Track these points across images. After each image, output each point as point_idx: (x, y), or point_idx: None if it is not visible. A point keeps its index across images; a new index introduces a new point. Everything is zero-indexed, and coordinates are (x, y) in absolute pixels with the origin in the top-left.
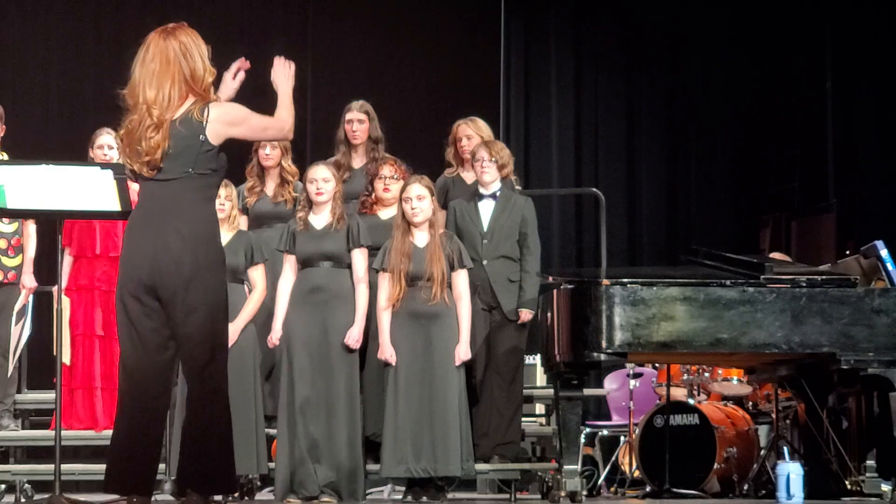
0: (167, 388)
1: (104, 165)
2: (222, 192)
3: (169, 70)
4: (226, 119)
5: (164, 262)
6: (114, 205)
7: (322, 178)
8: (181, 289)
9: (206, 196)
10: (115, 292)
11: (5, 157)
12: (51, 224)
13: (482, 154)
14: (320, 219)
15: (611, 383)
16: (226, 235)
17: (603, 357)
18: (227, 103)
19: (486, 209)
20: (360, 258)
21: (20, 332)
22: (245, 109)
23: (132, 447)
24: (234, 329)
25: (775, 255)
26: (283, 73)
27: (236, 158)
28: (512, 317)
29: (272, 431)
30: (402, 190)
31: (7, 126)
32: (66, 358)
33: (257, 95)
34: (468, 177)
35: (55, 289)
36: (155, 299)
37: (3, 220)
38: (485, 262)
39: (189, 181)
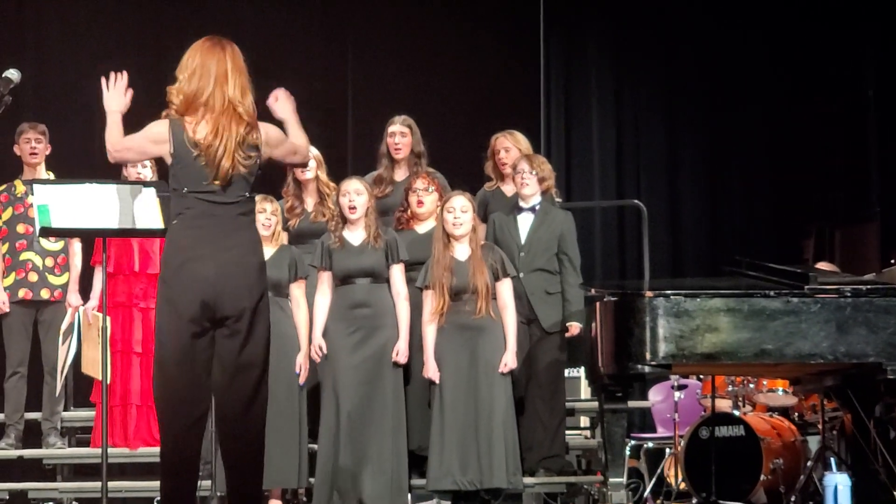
0: (208, 408)
1: (147, 184)
2: (268, 206)
3: (237, 76)
4: (272, 141)
5: (233, 287)
6: (157, 223)
7: (354, 190)
8: (248, 314)
9: (254, 219)
10: (163, 312)
11: (51, 175)
12: (87, 242)
13: (523, 166)
14: (356, 235)
15: (655, 395)
16: (269, 250)
17: (647, 369)
18: (269, 125)
19: (524, 222)
20: (398, 273)
21: (67, 351)
22: (280, 131)
23: (178, 468)
24: (303, 358)
25: (822, 265)
26: (285, 102)
27: (270, 177)
28: (552, 330)
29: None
30: (444, 202)
31: (51, 144)
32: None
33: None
34: (508, 190)
35: (84, 308)
36: (210, 322)
37: (50, 238)
38: (521, 275)
39: (245, 204)
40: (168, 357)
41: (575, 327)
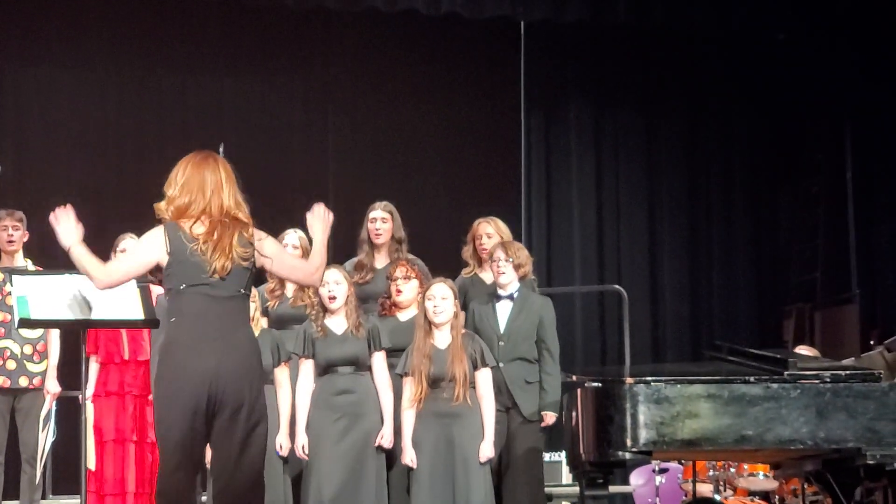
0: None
1: None
2: None
3: (231, 186)
4: (266, 248)
5: (234, 382)
6: (137, 313)
7: (333, 280)
8: (247, 406)
9: (248, 317)
10: (163, 409)
11: (30, 263)
12: (74, 331)
13: (499, 254)
14: (338, 324)
15: (637, 479)
16: None
17: (628, 456)
18: (268, 237)
19: (503, 310)
20: (380, 361)
21: (45, 438)
22: (279, 244)
23: None
24: (283, 437)
25: (802, 349)
26: (320, 220)
27: None
28: (532, 418)
29: None
30: (425, 289)
31: (29, 230)
32: (90, 463)
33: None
34: (487, 277)
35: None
36: (207, 417)
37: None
38: (501, 365)
39: (240, 301)
40: (172, 455)
41: (550, 416)
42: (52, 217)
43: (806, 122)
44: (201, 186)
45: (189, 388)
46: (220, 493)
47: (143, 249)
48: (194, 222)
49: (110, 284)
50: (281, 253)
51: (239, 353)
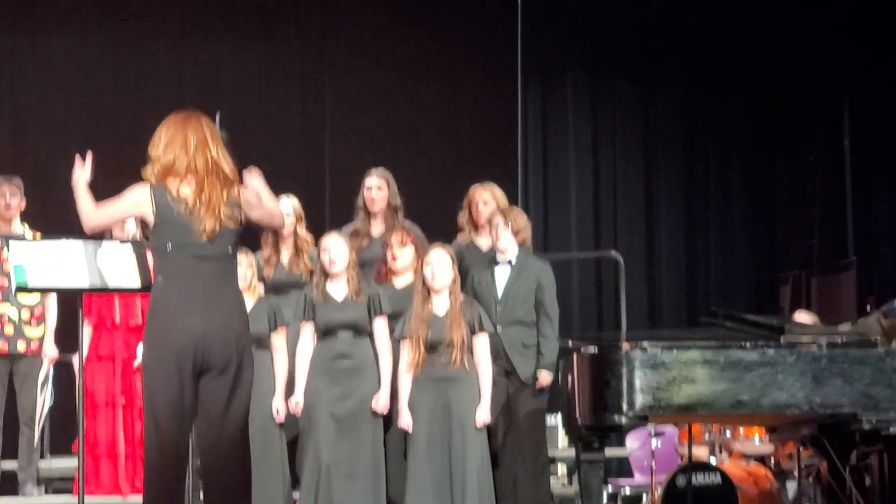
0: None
1: (123, 240)
2: (244, 259)
3: (216, 142)
4: (251, 201)
5: (220, 341)
6: (134, 280)
7: (333, 245)
8: (235, 362)
9: (236, 275)
10: (150, 369)
11: (27, 227)
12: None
13: (498, 220)
14: (339, 289)
15: (633, 441)
16: (248, 302)
17: (624, 420)
18: (246, 188)
19: (501, 275)
20: (381, 325)
21: (43, 401)
22: (256, 194)
23: None
24: (280, 402)
25: (801, 314)
26: (257, 178)
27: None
28: (529, 382)
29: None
30: (424, 255)
31: (27, 197)
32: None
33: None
34: (482, 242)
35: (75, 359)
36: (194, 376)
37: None
38: (499, 329)
39: (227, 261)
40: (161, 413)
41: (544, 376)
42: (77, 158)
43: (803, 91)
44: (184, 144)
45: (176, 348)
46: (207, 451)
47: (129, 200)
48: (180, 182)
49: (96, 226)
50: (259, 203)
51: (226, 312)
